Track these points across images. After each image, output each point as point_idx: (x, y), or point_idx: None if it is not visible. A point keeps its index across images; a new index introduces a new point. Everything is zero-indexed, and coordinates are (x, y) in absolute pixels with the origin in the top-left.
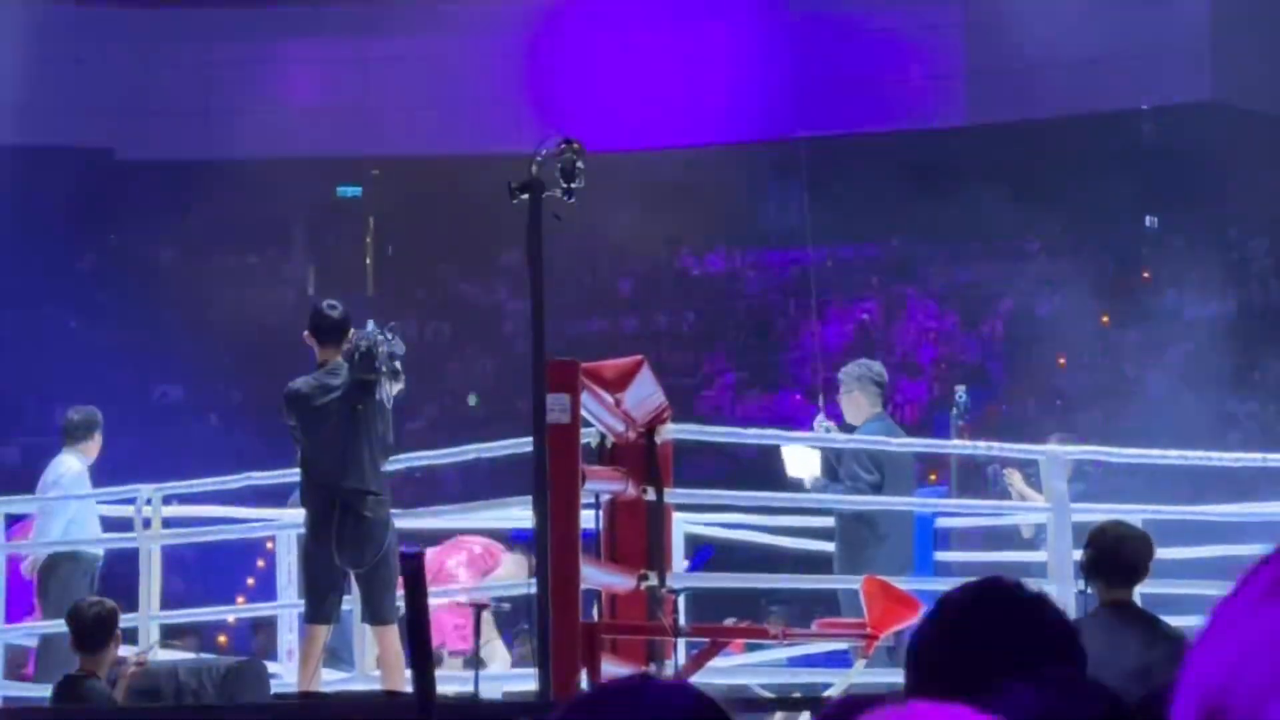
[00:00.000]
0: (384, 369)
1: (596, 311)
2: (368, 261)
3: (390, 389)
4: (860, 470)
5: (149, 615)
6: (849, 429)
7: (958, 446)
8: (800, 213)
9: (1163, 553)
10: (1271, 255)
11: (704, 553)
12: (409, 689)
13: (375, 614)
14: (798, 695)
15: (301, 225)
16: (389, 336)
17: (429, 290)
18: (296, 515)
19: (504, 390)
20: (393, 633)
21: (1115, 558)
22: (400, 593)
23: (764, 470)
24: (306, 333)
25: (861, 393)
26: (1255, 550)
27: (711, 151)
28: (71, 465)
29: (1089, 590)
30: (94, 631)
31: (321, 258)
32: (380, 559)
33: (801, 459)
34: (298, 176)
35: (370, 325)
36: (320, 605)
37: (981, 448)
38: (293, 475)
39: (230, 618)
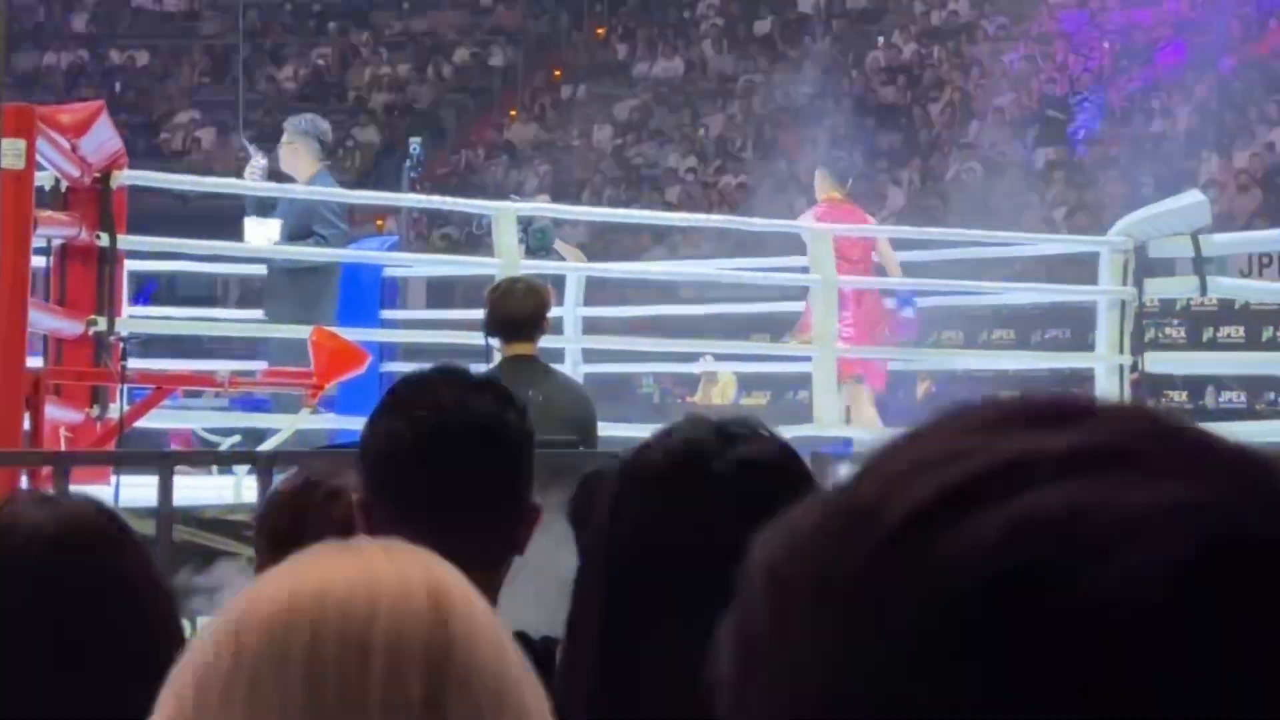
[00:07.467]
0: None
1: (50, 46)
2: None
3: None
4: (336, 220)
5: None
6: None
7: (411, 200)
8: None
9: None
10: (722, 16)
11: (148, 287)
12: None
13: None
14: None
15: None
16: None
17: None
18: None
19: None
20: None
21: (507, 311)
22: None
23: (216, 213)
24: None
25: (304, 145)
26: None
27: None
28: None
29: (493, 345)
30: None
31: None
32: None
33: (260, 230)
34: None
35: None
36: None
37: (436, 201)
38: None
39: None
